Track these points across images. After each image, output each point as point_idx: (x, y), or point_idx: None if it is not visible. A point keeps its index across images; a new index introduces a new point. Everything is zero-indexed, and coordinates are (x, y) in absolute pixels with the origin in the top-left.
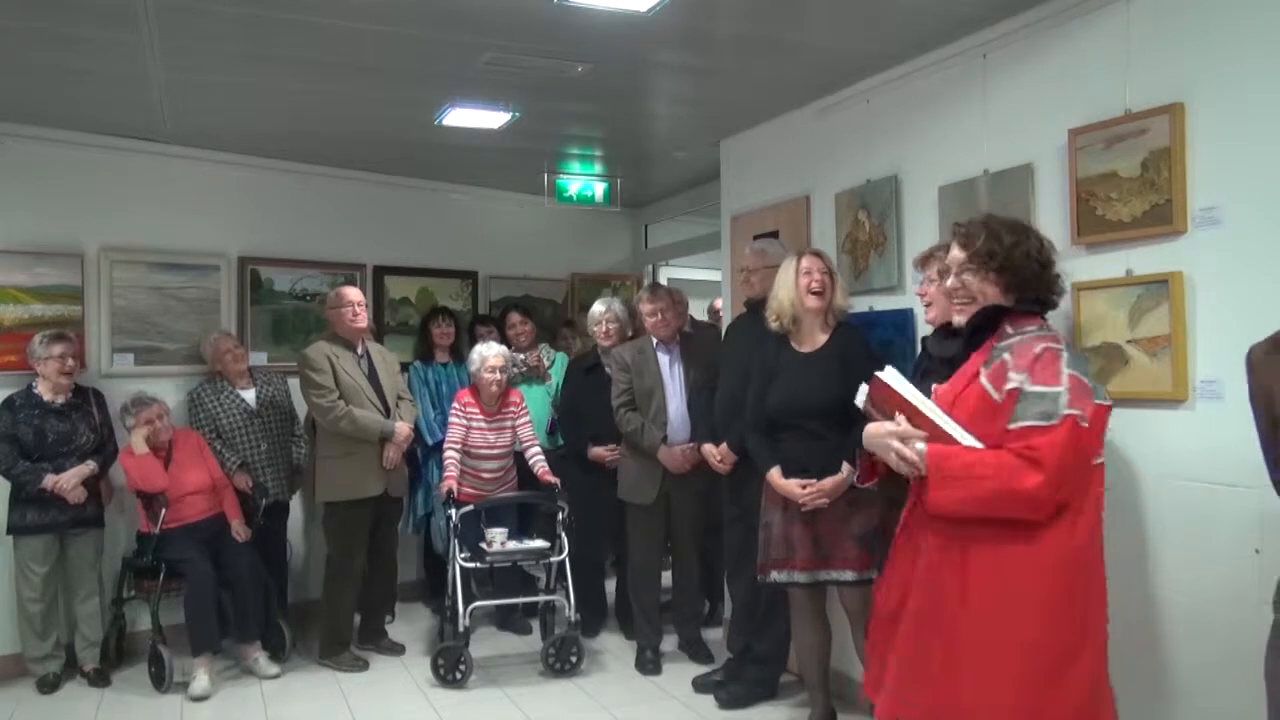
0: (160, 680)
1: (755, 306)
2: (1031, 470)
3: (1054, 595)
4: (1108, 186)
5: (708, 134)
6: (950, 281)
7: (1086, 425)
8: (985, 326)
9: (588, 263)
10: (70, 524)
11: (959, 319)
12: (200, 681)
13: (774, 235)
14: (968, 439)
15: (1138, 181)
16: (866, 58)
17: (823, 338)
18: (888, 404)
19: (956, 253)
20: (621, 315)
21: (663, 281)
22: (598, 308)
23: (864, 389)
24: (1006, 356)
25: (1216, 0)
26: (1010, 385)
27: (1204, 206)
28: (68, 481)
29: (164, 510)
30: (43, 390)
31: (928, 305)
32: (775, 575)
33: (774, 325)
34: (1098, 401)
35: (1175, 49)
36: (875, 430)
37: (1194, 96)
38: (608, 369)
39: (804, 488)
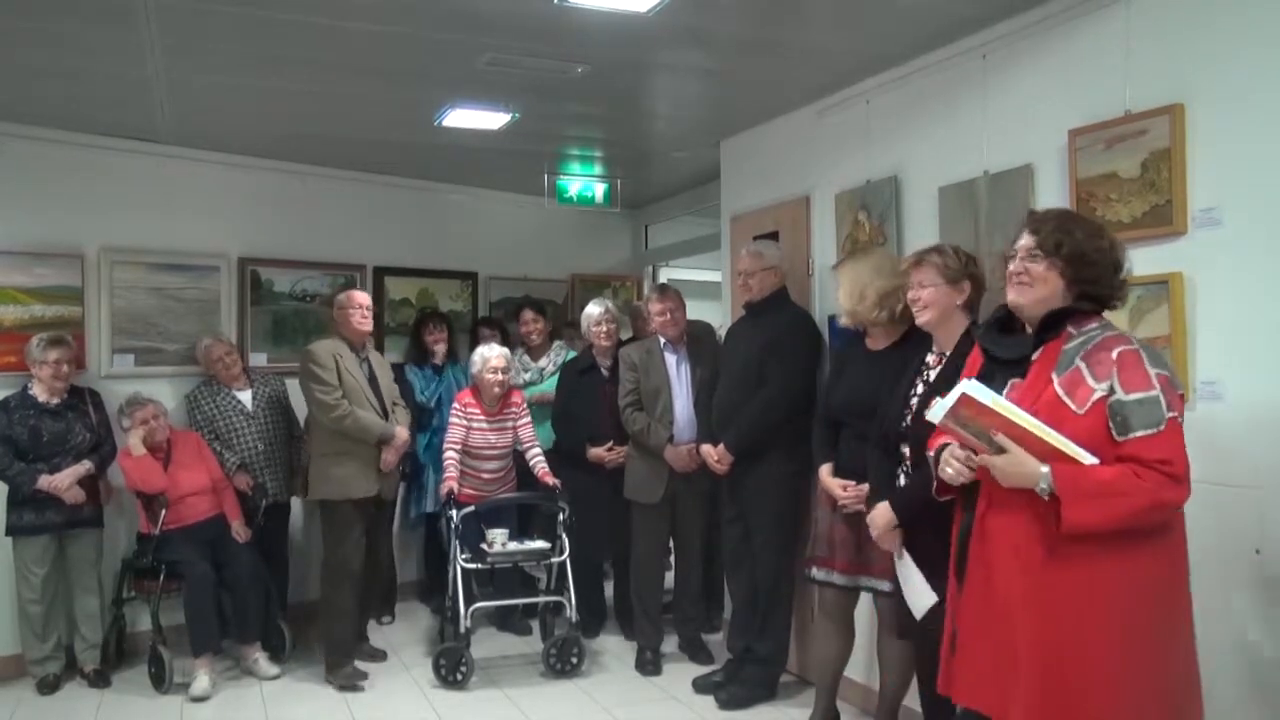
0: (160, 681)
1: (754, 308)
2: (1176, 486)
3: (1163, 596)
4: (1108, 187)
5: (708, 134)
6: (1014, 265)
7: (1182, 422)
8: (1052, 327)
9: (588, 263)
10: (67, 524)
11: (1016, 298)
12: (200, 682)
13: (773, 236)
14: (1086, 455)
15: (1138, 182)
16: (866, 58)
17: (894, 337)
18: (981, 422)
19: (1027, 239)
20: (619, 317)
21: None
22: (594, 309)
23: (940, 403)
24: (1081, 364)
25: (1216, 1)
26: (1096, 395)
27: (1204, 207)
28: (62, 481)
29: (164, 511)
30: (37, 392)
31: (923, 309)
32: (815, 572)
33: (844, 322)
34: (1179, 393)
35: (1175, 49)
36: (1007, 461)
37: (1194, 97)
38: (603, 370)
39: (845, 490)
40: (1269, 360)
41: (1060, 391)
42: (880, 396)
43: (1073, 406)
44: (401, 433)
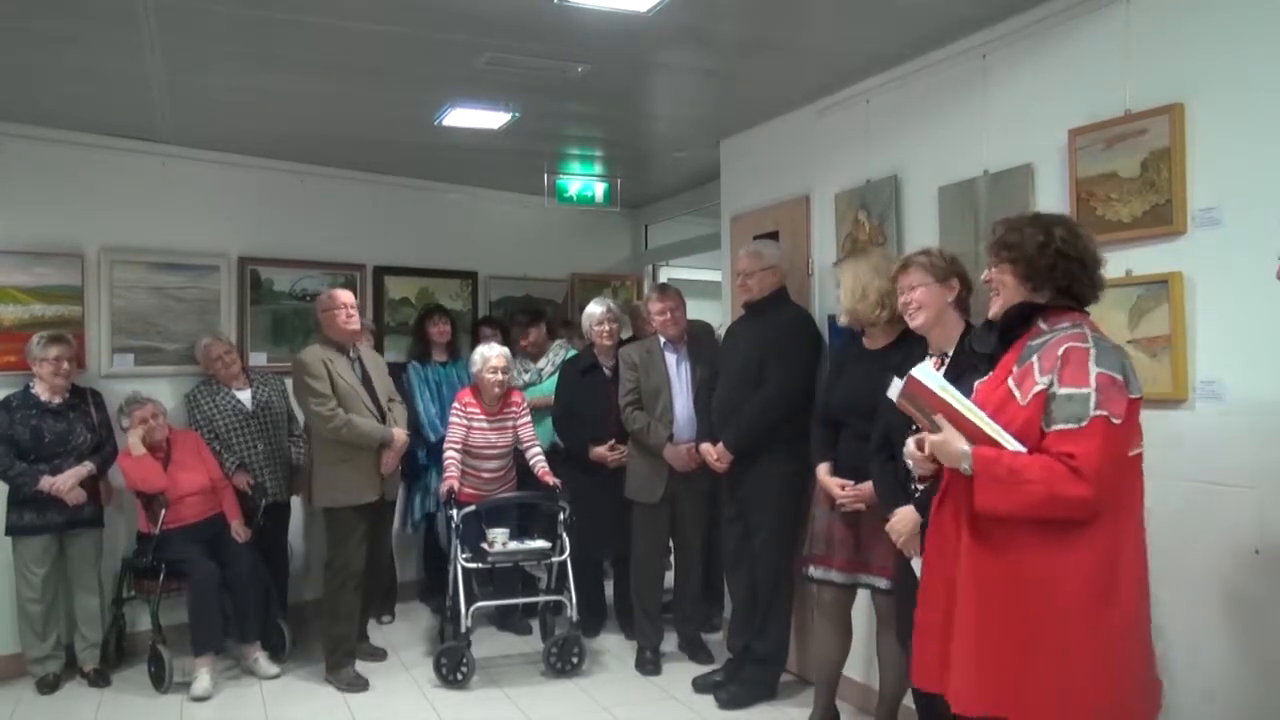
0: (160, 680)
1: (754, 309)
2: (1075, 480)
3: (1098, 590)
4: (1108, 187)
5: (708, 134)
6: (984, 275)
7: (1119, 423)
8: (1018, 323)
9: (588, 263)
10: (68, 525)
11: (991, 310)
12: (201, 682)
13: (773, 236)
14: (1012, 442)
15: (1137, 182)
16: (866, 58)
17: (892, 335)
18: (925, 403)
19: (993, 254)
20: (620, 316)
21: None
22: (596, 309)
23: (897, 383)
24: (1034, 359)
25: (1216, 1)
26: (1037, 388)
27: (1204, 207)
28: (64, 483)
29: (164, 511)
30: (39, 391)
31: (917, 310)
32: (813, 571)
33: (843, 321)
34: (1131, 395)
35: (1175, 49)
36: (939, 440)
37: (1194, 97)
38: (605, 370)
39: (843, 488)
40: (1269, 360)
41: (1012, 383)
42: (879, 395)
43: (1018, 397)
44: (400, 435)
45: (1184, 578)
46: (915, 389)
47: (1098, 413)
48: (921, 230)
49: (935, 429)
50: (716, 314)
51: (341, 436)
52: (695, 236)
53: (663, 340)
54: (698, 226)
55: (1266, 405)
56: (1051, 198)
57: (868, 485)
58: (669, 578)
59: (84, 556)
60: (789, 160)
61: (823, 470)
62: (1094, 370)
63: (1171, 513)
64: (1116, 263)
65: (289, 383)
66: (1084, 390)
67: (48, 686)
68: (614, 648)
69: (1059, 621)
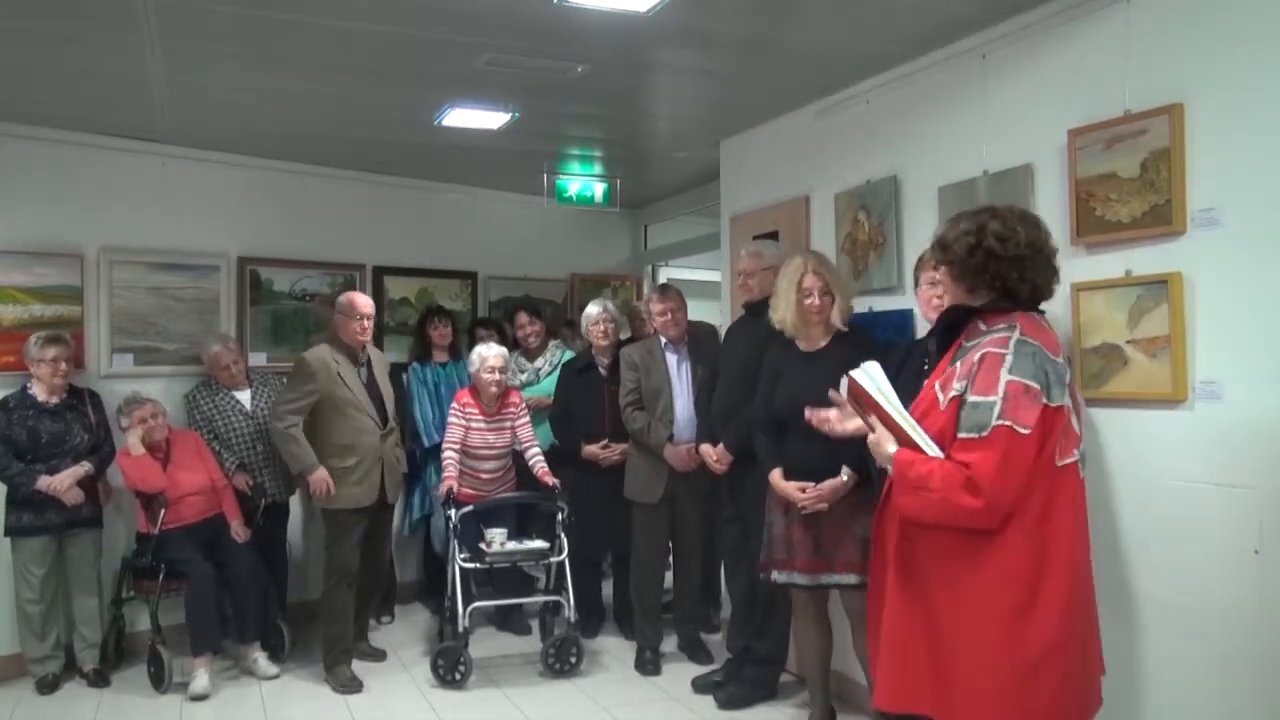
0: (159, 681)
1: (754, 309)
2: (969, 491)
3: (1014, 608)
4: (1107, 187)
5: (707, 134)
6: (935, 287)
7: (1026, 432)
8: (956, 325)
9: (587, 263)
10: (67, 525)
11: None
12: (200, 682)
13: (773, 236)
14: (931, 447)
15: (1137, 182)
16: (866, 58)
17: (825, 339)
18: (863, 403)
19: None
20: (617, 316)
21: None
22: (593, 309)
23: (844, 382)
24: (958, 362)
25: (1216, 2)
26: (953, 393)
27: (1203, 207)
28: (62, 483)
29: (163, 511)
30: (37, 391)
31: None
32: (776, 575)
33: (778, 327)
34: (1049, 404)
35: (1175, 49)
36: (872, 440)
37: (1193, 97)
38: (601, 370)
39: (803, 491)
40: (1268, 360)
41: (937, 386)
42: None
43: (940, 401)
44: (319, 477)
45: (1184, 578)
46: (854, 389)
47: (1001, 422)
48: (921, 231)
49: (872, 429)
50: (716, 314)
51: (277, 439)
52: (695, 236)
53: (664, 340)
54: (698, 226)
55: (1266, 405)
56: (1051, 198)
57: (828, 484)
58: (668, 578)
59: (83, 557)
60: (789, 160)
61: (777, 475)
62: (1005, 378)
63: (1171, 513)
64: (1116, 263)
65: (289, 374)
66: (990, 399)
67: (47, 687)
68: (613, 648)
69: (972, 634)
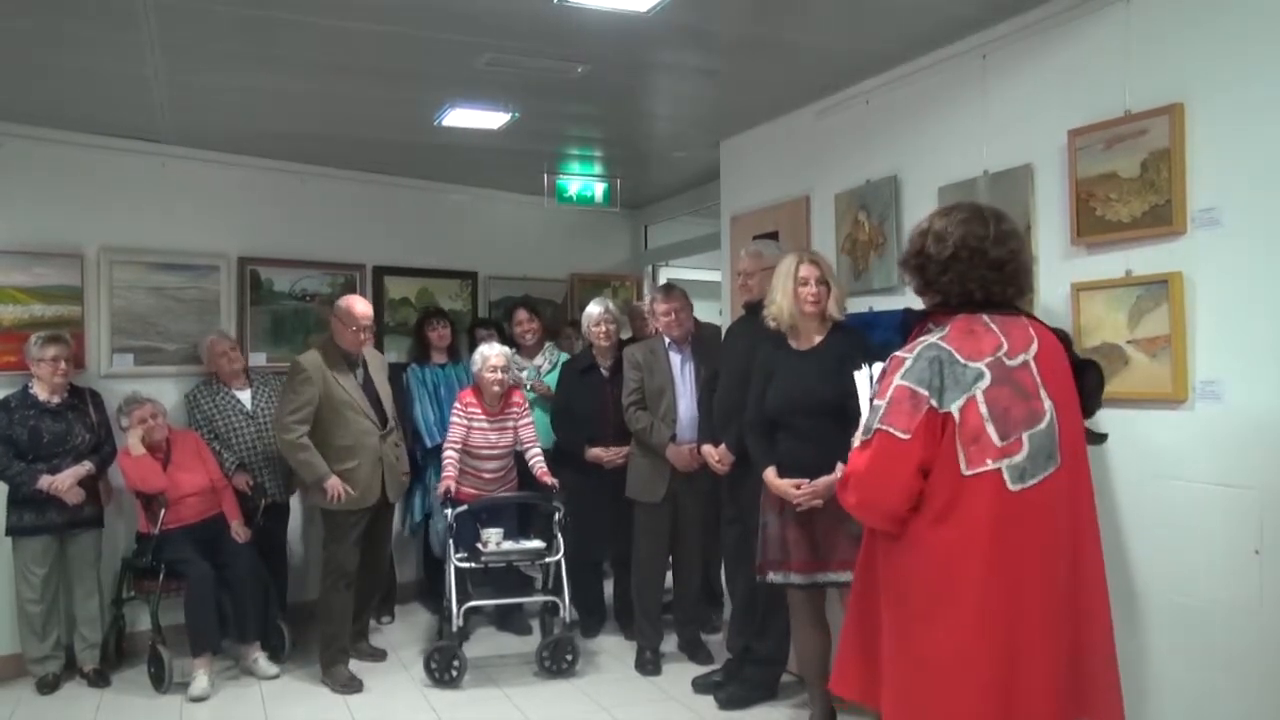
0: (160, 681)
1: (754, 309)
2: (844, 489)
3: (933, 592)
4: (1107, 187)
5: (707, 134)
6: None
7: (903, 437)
8: (910, 327)
9: (587, 263)
10: (68, 525)
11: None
12: (200, 682)
13: (773, 236)
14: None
15: (1137, 182)
16: (866, 58)
17: (819, 337)
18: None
19: None
20: (618, 317)
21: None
22: (594, 309)
23: (865, 371)
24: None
25: (1216, 2)
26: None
27: (1203, 207)
28: (63, 482)
29: (163, 511)
30: (38, 391)
31: None
32: (772, 576)
33: (772, 325)
34: (937, 409)
35: (1175, 50)
36: None
37: (1193, 97)
38: (603, 370)
39: (798, 488)
40: (1269, 360)
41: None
42: (825, 392)
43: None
44: (334, 485)
45: (1184, 578)
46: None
47: (880, 426)
48: None
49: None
50: (716, 314)
51: (285, 449)
52: (695, 237)
53: (667, 340)
54: (698, 227)
55: (1267, 405)
56: (1051, 198)
57: (823, 480)
58: (669, 578)
59: (84, 557)
60: (789, 160)
61: (771, 474)
62: (896, 383)
63: (1172, 513)
64: (1116, 263)
65: (285, 382)
66: (879, 402)
67: (47, 687)
68: (614, 648)
69: (901, 617)
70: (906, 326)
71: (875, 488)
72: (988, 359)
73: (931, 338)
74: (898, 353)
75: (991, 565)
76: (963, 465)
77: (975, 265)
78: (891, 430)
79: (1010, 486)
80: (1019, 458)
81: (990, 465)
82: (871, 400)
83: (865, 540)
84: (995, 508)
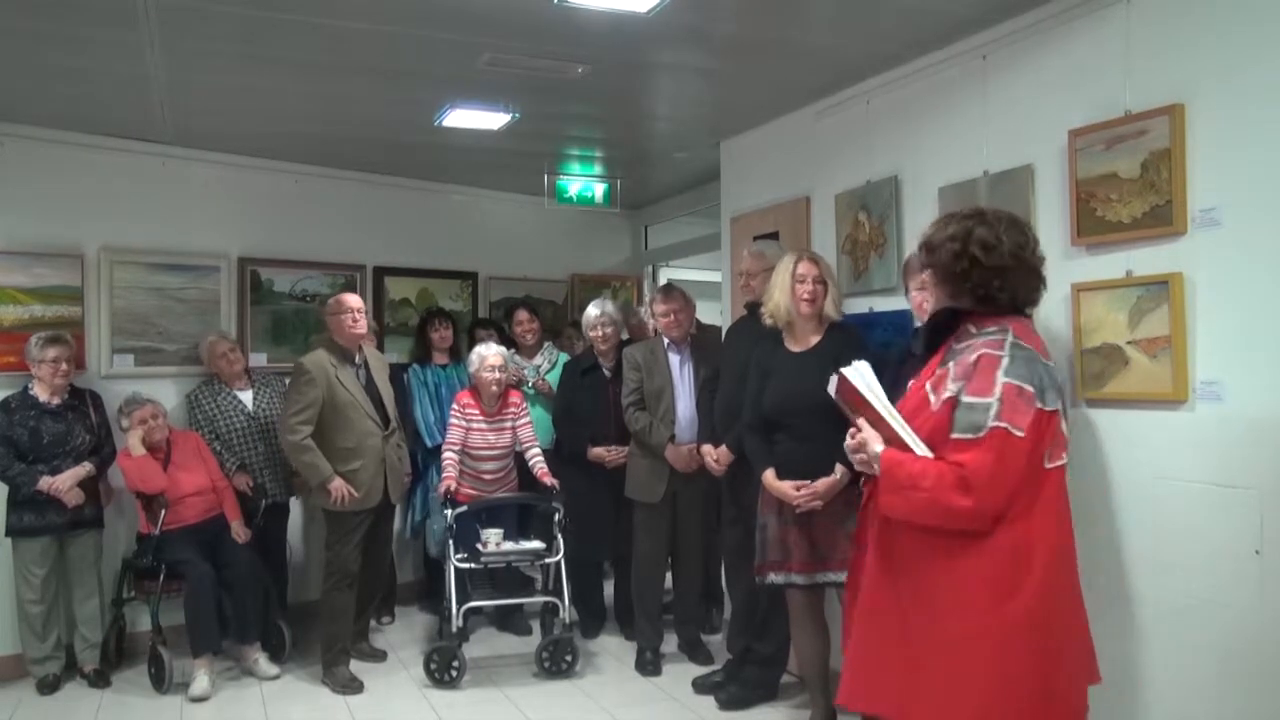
0: (160, 681)
1: (756, 309)
2: (961, 491)
3: (998, 591)
4: (1108, 187)
5: (708, 135)
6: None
7: (1021, 435)
8: (944, 327)
9: (588, 264)
10: (68, 526)
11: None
12: (200, 682)
13: (774, 236)
14: (920, 447)
15: (1138, 182)
16: (866, 58)
17: (815, 338)
18: (851, 401)
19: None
20: (617, 318)
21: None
22: (592, 311)
23: (834, 379)
24: (952, 363)
25: (1216, 2)
26: (947, 394)
27: (1204, 208)
28: (63, 483)
29: (164, 511)
30: (39, 391)
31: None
32: (773, 577)
33: (769, 322)
34: (1044, 408)
35: (1175, 50)
36: (859, 440)
37: (1194, 98)
38: (605, 371)
39: (797, 489)
40: (1269, 360)
41: (929, 387)
42: (821, 392)
43: (932, 401)
44: (337, 486)
45: (1184, 578)
46: (844, 387)
47: (997, 424)
48: (922, 231)
49: (858, 428)
50: (716, 314)
51: (290, 449)
52: (695, 237)
53: (666, 341)
54: (698, 227)
55: (1266, 406)
56: (1051, 198)
57: (823, 481)
58: (669, 578)
59: (84, 557)
60: (789, 161)
61: (770, 476)
62: (1001, 380)
63: (1172, 513)
64: (1116, 263)
65: (289, 383)
66: (986, 400)
67: (48, 687)
68: (614, 648)
69: (949, 619)
70: (940, 325)
71: (998, 489)
72: (1051, 358)
73: (1007, 337)
74: (985, 350)
75: (1054, 547)
76: (1046, 459)
77: (1021, 274)
78: (1010, 428)
79: (1066, 478)
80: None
81: (1063, 459)
82: (956, 397)
83: (882, 547)
84: (1060, 492)
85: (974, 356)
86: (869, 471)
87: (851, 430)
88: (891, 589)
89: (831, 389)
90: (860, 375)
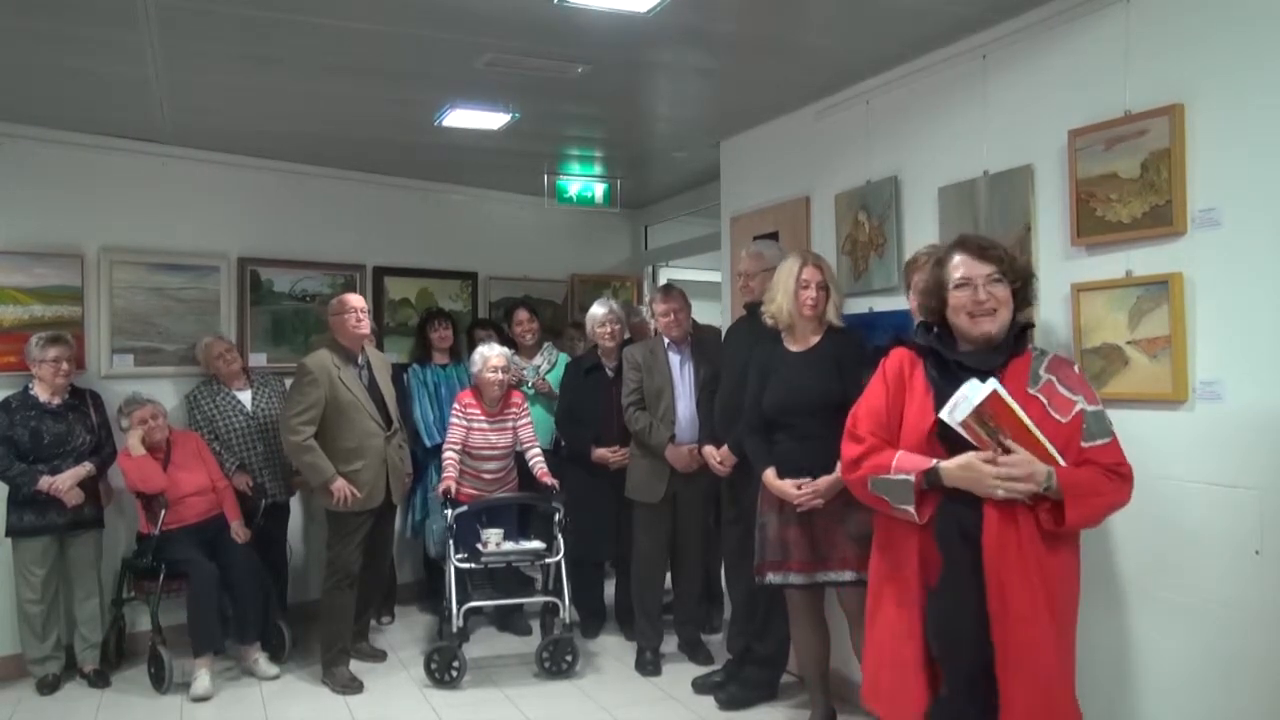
0: (160, 681)
1: (755, 309)
2: (1127, 485)
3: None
4: (1108, 187)
5: (708, 135)
6: (979, 293)
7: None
8: (1019, 341)
9: (588, 264)
10: (68, 526)
11: (989, 328)
12: (201, 682)
13: (773, 236)
14: (1061, 459)
15: (1137, 183)
16: (866, 58)
17: (815, 338)
18: (998, 421)
19: (982, 266)
20: (623, 317)
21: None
22: (599, 310)
23: (965, 400)
24: (1050, 377)
25: (1216, 2)
26: (1077, 407)
27: (1204, 208)
28: (63, 483)
29: (164, 511)
30: (39, 392)
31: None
32: (772, 577)
33: (769, 322)
34: None
35: (1175, 50)
36: (976, 463)
37: (1193, 98)
38: (608, 370)
39: (798, 487)
40: (1269, 360)
41: (1044, 400)
42: (822, 393)
43: (1057, 416)
44: (339, 486)
45: (1184, 578)
46: (995, 405)
47: (1112, 425)
48: (922, 231)
49: (1001, 449)
50: (716, 315)
51: (291, 450)
52: (695, 237)
53: (666, 341)
54: (698, 227)
55: (1267, 405)
56: (1051, 199)
57: (824, 479)
58: (669, 578)
59: (84, 557)
60: (789, 161)
61: (771, 475)
62: (1092, 387)
63: (1172, 513)
64: (1116, 263)
65: (290, 383)
66: (1100, 407)
67: (48, 687)
68: (614, 648)
69: (1073, 617)
70: (1022, 334)
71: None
72: None
73: (1048, 350)
74: (1074, 364)
75: None
76: None
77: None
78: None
79: None
80: None
81: None
82: (1086, 408)
83: (1042, 571)
84: None
85: (1075, 368)
86: (1017, 494)
87: (988, 456)
88: (1048, 608)
89: (951, 414)
90: (1006, 394)
